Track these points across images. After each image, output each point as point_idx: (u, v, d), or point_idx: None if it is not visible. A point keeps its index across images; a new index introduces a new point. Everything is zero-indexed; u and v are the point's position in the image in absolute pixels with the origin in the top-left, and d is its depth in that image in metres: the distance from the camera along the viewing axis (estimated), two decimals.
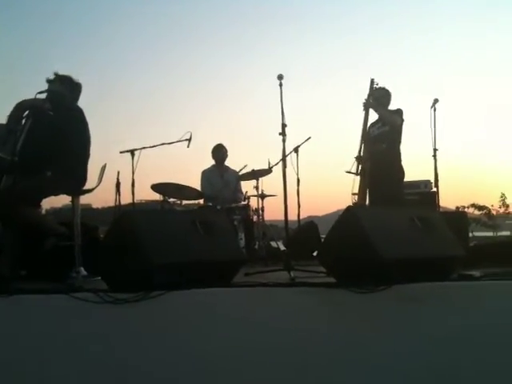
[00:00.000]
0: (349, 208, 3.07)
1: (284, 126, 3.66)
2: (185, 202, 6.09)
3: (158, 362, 2.60)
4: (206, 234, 3.02)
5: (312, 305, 2.70)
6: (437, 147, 4.94)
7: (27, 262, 3.79)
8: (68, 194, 3.74)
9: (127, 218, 2.94)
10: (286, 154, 3.76)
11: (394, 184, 4.88)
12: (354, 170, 4.89)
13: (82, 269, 3.62)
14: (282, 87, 3.72)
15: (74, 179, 3.68)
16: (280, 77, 3.73)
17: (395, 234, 2.84)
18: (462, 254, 3.06)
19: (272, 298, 2.74)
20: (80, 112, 3.79)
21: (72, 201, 3.70)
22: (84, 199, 3.77)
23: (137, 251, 2.69)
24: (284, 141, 3.67)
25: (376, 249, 2.67)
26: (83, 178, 3.79)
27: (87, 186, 3.84)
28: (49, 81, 3.78)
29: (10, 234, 3.56)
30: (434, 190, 5.12)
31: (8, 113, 3.58)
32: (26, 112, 3.66)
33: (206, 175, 6.22)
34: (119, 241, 2.85)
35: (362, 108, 5.06)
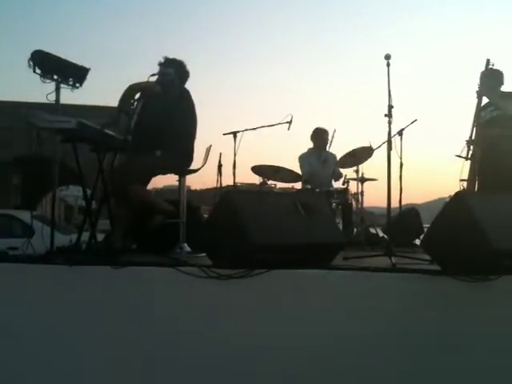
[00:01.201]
0: (458, 194, 2.92)
1: (390, 107, 3.55)
2: (280, 185, 6.09)
3: (257, 337, 2.67)
4: (307, 215, 3.03)
5: (414, 292, 2.64)
6: None
7: (136, 236, 4.01)
8: (175, 173, 3.87)
9: (230, 199, 3.00)
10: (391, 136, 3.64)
11: (510, 171, 4.54)
12: (464, 155, 4.62)
13: (186, 245, 3.77)
14: (390, 67, 3.60)
15: (181, 159, 3.80)
16: (387, 56, 3.60)
17: (508, 222, 2.67)
18: None
19: (372, 283, 2.70)
20: (188, 94, 3.89)
21: (179, 180, 3.84)
22: None
23: (239, 231, 2.77)
24: (390, 123, 3.57)
25: (487, 237, 2.53)
26: (190, 158, 3.89)
27: (192, 167, 3.96)
28: (160, 64, 3.90)
29: (123, 210, 3.76)
30: None
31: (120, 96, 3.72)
32: (138, 94, 3.83)
33: (305, 158, 6.18)
34: (222, 220, 2.93)
35: (476, 96, 4.74)
